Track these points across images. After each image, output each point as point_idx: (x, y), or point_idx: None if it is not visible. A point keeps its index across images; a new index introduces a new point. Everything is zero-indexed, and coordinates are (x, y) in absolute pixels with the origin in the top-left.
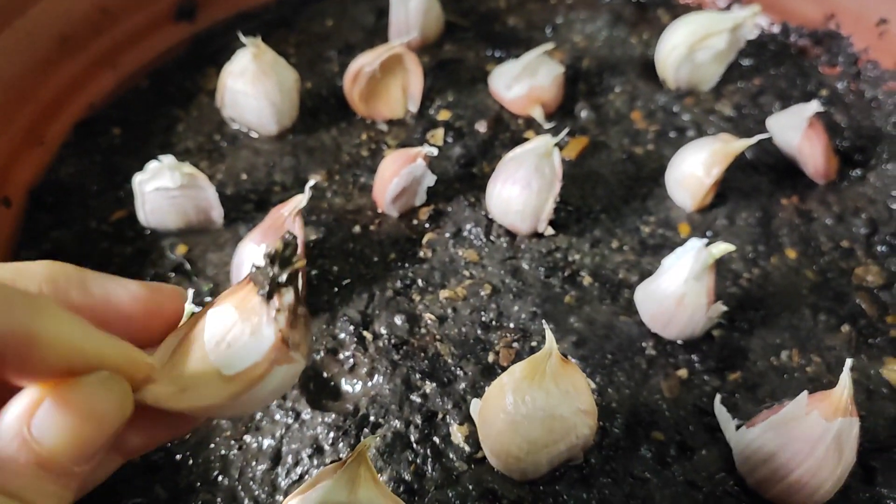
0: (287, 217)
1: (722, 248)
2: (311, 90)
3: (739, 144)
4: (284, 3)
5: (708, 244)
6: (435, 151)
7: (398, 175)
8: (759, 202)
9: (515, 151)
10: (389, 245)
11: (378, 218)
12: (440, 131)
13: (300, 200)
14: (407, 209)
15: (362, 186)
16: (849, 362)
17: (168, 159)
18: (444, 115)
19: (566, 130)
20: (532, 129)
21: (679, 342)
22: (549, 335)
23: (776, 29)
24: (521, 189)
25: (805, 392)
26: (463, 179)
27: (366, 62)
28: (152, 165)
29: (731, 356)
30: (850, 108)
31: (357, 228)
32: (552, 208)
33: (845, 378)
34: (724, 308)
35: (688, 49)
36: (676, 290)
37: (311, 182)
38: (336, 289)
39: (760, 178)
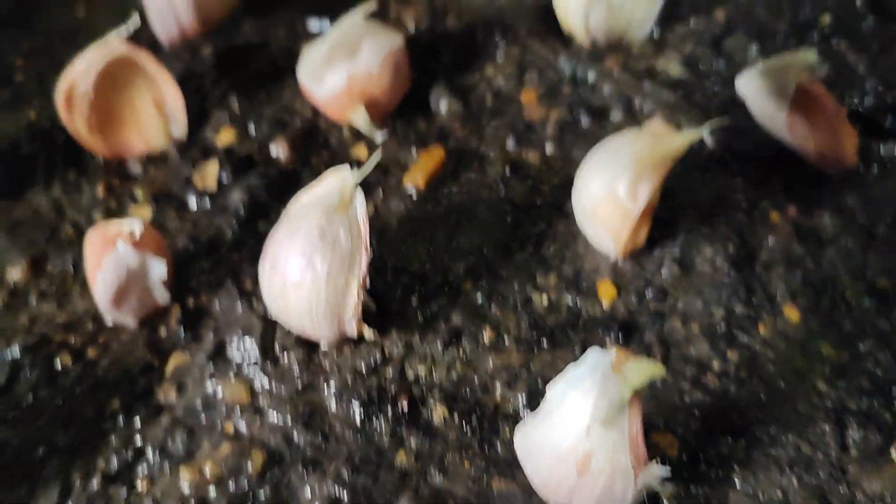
0: None
1: (643, 373)
2: (34, 125)
3: (677, 142)
4: None
5: (619, 363)
6: (138, 225)
7: (101, 269)
8: (731, 224)
9: (300, 198)
10: (112, 384)
11: (104, 334)
12: (213, 166)
13: None
14: (148, 313)
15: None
16: None
17: None
18: (226, 137)
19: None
20: (363, 141)
21: None
22: None
23: None
24: (302, 271)
25: None
26: (242, 247)
27: (76, 76)
28: None
29: None
30: (871, 41)
31: (65, 358)
32: (359, 298)
33: None
34: (663, 472)
35: None
36: (576, 447)
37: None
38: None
39: (732, 179)
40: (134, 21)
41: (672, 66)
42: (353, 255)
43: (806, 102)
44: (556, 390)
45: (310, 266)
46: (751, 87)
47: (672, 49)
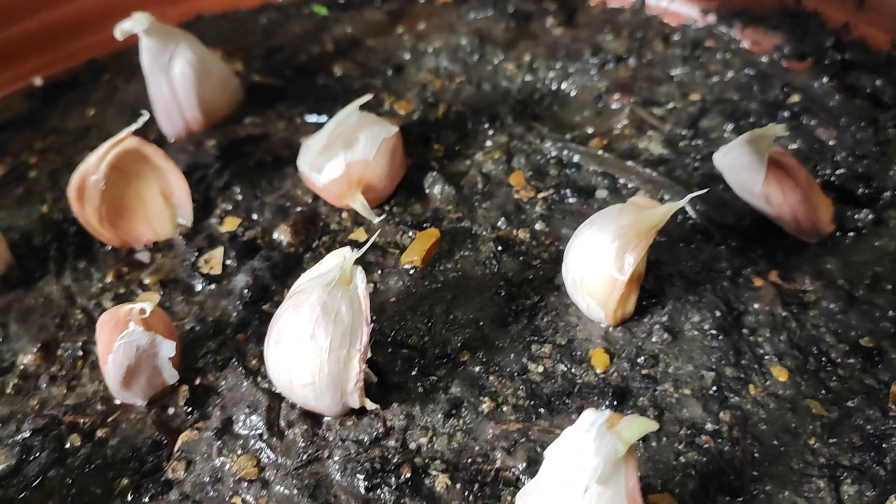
0: None
1: (637, 428)
2: (47, 218)
3: (659, 213)
4: (33, 95)
5: (612, 422)
6: (148, 306)
7: (112, 351)
8: (716, 291)
9: (303, 279)
10: (121, 463)
11: (114, 413)
12: (218, 252)
13: None
14: (157, 392)
15: (96, 363)
16: None
17: None
18: (230, 224)
19: (394, 224)
20: (363, 225)
21: None
22: None
23: (711, 18)
24: (305, 345)
25: None
26: (247, 327)
27: (88, 169)
28: None
29: None
30: (839, 118)
31: (75, 439)
32: (360, 370)
33: None
34: None
35: None
36: None
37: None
38: None
39: (715, 249)
40: (143, 118)
41: (653, 145)
42: (355, 328)
43: (780, 174)
44: (554, 453)
45: (313, 340)
46: (727, 161)
47: (653, 129)
